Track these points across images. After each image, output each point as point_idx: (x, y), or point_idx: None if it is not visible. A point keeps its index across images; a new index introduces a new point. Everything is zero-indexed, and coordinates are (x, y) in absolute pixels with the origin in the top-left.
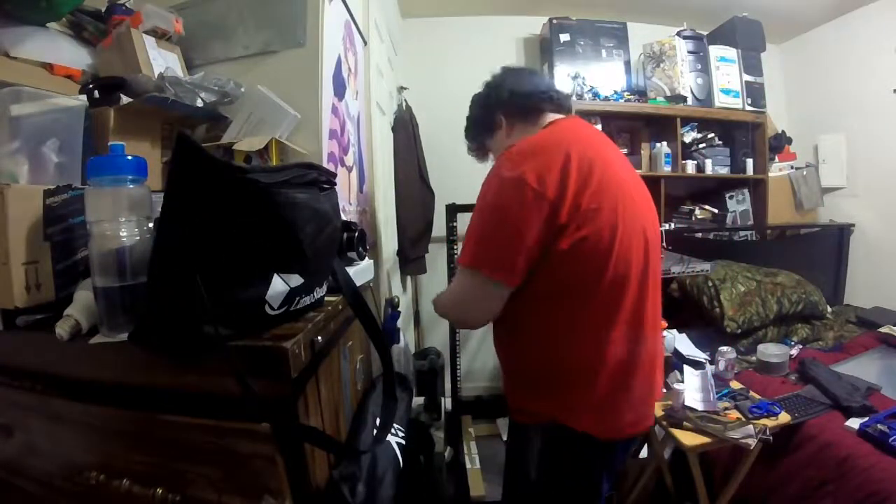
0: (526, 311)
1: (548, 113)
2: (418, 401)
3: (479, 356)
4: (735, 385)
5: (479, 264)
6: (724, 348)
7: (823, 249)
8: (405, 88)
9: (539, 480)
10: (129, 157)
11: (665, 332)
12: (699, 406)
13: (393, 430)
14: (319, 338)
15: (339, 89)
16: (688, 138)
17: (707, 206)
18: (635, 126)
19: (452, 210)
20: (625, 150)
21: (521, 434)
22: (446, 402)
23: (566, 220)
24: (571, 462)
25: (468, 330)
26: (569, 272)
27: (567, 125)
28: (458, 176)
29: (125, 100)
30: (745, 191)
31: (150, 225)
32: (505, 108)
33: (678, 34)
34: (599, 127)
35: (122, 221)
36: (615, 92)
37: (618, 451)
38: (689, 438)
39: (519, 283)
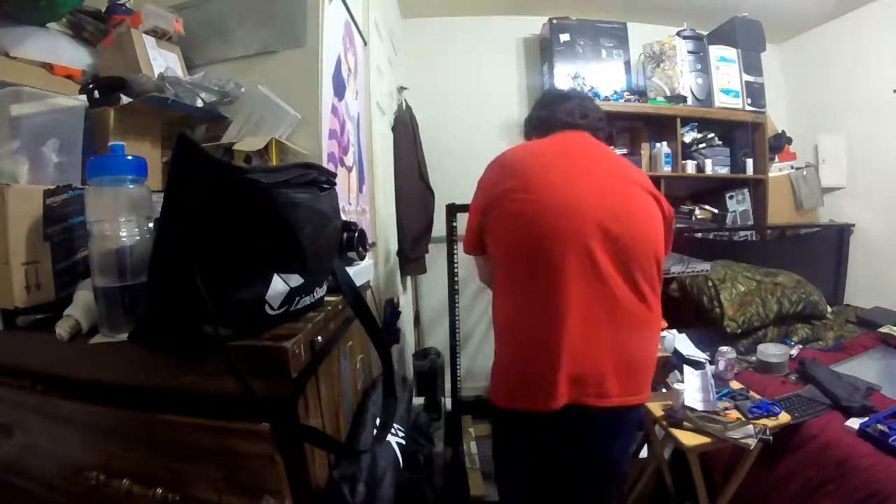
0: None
1: (557, 132)
2: (418, 401)
3: (479, 356)
4: (735, 385)
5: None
6: (724, 348)
7: (823, 249)
8: (405, 88)
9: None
10: (129, 157)
11: (665, 332)
12: (699, 406)
13: (393, 430)
14: (319, 338)
15: (339, 89)
16: (688, 138)
17: (707, 206)
18: (635, 126)
19: (452, 210)
20: (625, 150)
21: None
22: (446, 402)
23: (489, 206)
24: (511, 436)
25: (469, 330)
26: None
27: (548, 140)
28: (458, 176)
29: (125, 100)
30: (745, 191)
31: (150, 225)
32: (532, 132)
33: (678, 34)
34: None
35: (122, 221)
36: (615, 92)
37: (540, 423)
38: (689, 438)
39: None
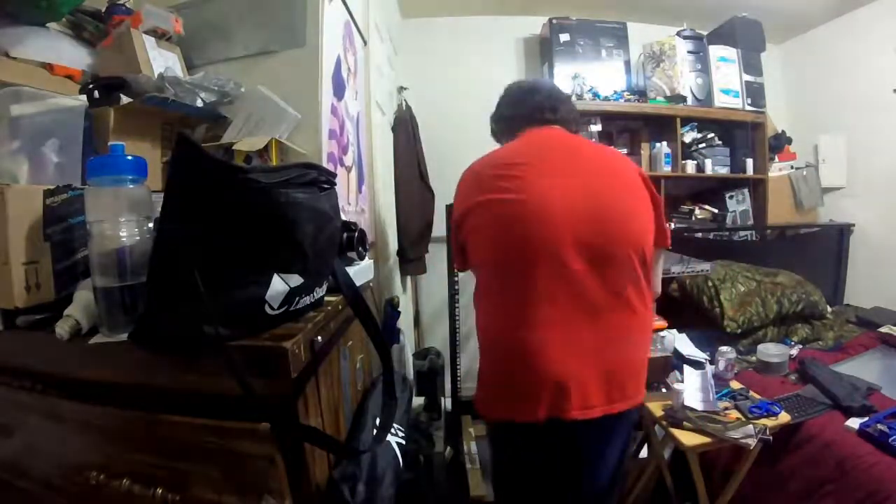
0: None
1: (526, 129)
2: (418, 401)
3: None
4: (735, 385)
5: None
6: (724, 348)
7: (823, 249)
8: (405, 88)
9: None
10: (129, 157)
11: (665, 332)
12: (699, 406)
13: (393, 430)
14: (319, 338)
15: (339, 89)
16: (688, 138)
17: (707, 206)
18: (635, 126)
19: (452, 210)
20: (625, 150)
21: None
22: (446, 402)
23: (462, 219)
24: (501, 446)
25: (469, 330)
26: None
27: (519, 142)
28: (458, 176)
29: (125, 100)
30: (745, 191)
31: (150, 225)
32: (500, 132)
33: (678, 34)
34: (599, 127)
35: (122, 221)
36: (615, 92)
37: (544, 434)
38: (689, 438)
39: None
